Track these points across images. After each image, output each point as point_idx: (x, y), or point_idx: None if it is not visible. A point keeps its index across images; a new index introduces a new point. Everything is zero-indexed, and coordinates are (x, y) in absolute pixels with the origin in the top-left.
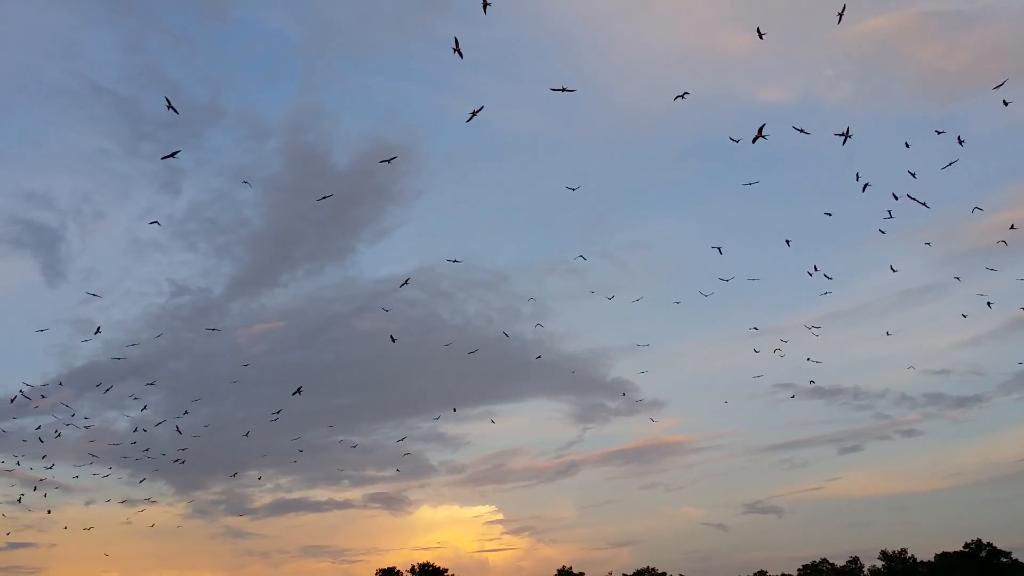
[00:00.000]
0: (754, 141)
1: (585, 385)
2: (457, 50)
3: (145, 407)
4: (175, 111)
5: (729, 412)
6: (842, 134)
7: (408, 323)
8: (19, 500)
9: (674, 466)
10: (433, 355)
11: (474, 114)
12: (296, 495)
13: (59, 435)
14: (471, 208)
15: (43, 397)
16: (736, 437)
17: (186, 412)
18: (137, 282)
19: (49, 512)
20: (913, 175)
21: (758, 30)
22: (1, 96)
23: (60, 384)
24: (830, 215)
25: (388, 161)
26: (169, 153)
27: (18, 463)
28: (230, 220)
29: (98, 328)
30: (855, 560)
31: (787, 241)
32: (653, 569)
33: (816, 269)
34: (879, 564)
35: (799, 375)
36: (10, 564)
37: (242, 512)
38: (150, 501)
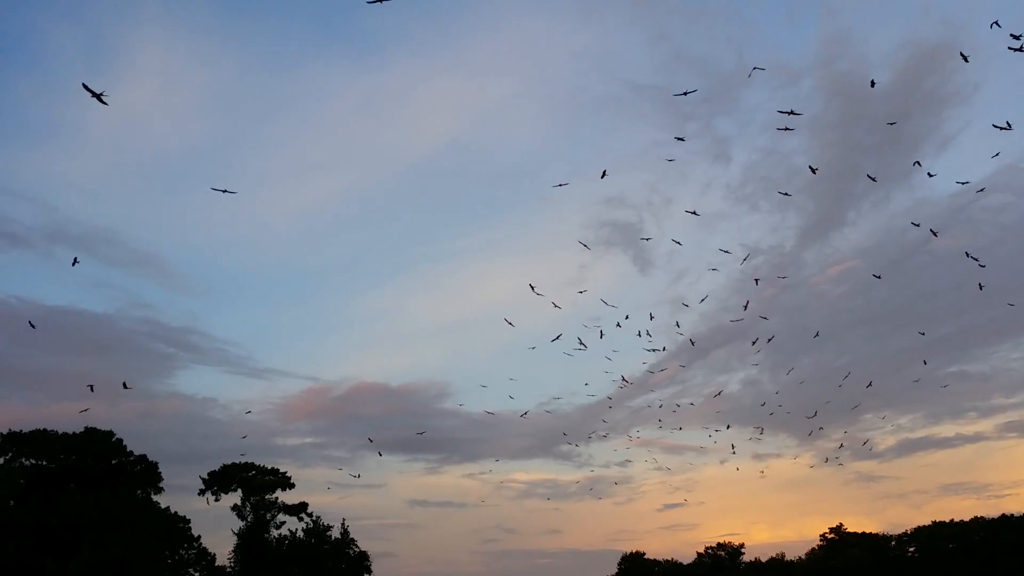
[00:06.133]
0: None
1: None
2: None
3: (752, 365)
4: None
5: None
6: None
7: (1000, 232)
8: (663, 468)
9: None
10: None
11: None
12: (920, 434)
13: (681, 405)
14: None
15: (662, 371)
16: None
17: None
18: (714, 253)
19: (690, 478)
20: None
21: None
22: (567, 119)
23: (671, 359)
24: None
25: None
26: None
27: (659, 430)
28: (783, 173)
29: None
30: None
31: None
32: None
33: None
34: None
35: None
36: (669, 523)
37: (868, 456)
38: (776, 455)
